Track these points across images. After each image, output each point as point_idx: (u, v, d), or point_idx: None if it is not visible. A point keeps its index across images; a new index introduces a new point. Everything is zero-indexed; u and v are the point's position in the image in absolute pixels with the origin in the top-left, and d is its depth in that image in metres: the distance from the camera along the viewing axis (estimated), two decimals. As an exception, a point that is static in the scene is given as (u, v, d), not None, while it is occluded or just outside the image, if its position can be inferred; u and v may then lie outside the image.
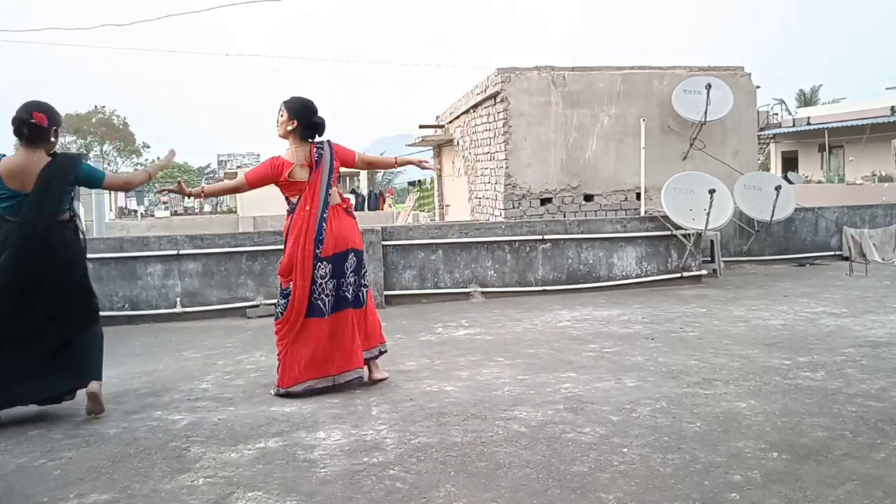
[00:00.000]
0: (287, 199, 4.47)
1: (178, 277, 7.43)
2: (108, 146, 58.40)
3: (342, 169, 4.73)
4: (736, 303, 7.18)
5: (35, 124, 3.86)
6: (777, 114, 33.68)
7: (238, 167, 52.72)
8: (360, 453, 3.32)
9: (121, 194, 37.94)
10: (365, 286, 4.60)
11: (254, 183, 4.46)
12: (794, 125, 29.83)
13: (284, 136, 4.46)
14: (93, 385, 3.99)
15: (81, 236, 4.15)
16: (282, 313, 4.38)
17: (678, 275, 8.51)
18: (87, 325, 4.11)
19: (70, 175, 3.97)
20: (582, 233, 8.37)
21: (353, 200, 33.38)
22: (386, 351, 4.78)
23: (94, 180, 4.12)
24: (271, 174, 4.41)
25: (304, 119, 4.42)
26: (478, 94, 11.07)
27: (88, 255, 7.16)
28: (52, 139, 3.97)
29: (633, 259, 8.46)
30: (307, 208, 4.34)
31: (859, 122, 24.89)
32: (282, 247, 7.51)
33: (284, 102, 4.47)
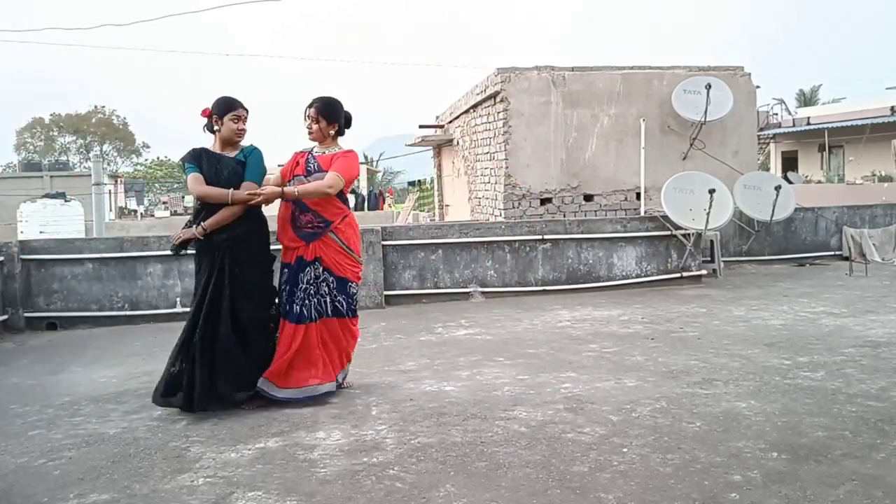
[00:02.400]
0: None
1: (178, 277, 7.43)
2: (108, 146, 58.38)
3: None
4: (736, 303, 7.18)
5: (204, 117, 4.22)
6: (777, 114, 33.66)
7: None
8: (360, 453, 3.32)
9: (121, 194, 37.92)
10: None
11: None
12: (794, 125, 29.81)
13: (322, 139, 4.36)
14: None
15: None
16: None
17: (678, 275, 8.51)
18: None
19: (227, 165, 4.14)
20: (582, 233, 8.37)
21: (352, 200, 33.42)
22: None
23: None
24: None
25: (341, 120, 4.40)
26: (478, 94, 11.07)
27: (89, 255, 7.25)
28: (215, 127, 4.17)
29: (633, 259, 8.46)
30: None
31: (859, 122, 24.87)
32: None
33: (314, 105, 4.33)
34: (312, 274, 4.23)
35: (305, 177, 4.26)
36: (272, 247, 4.32)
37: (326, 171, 4.19)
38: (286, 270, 4.28)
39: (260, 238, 4.23)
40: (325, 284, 4.25)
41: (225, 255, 4.05)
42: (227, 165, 4.13)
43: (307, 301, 4.21)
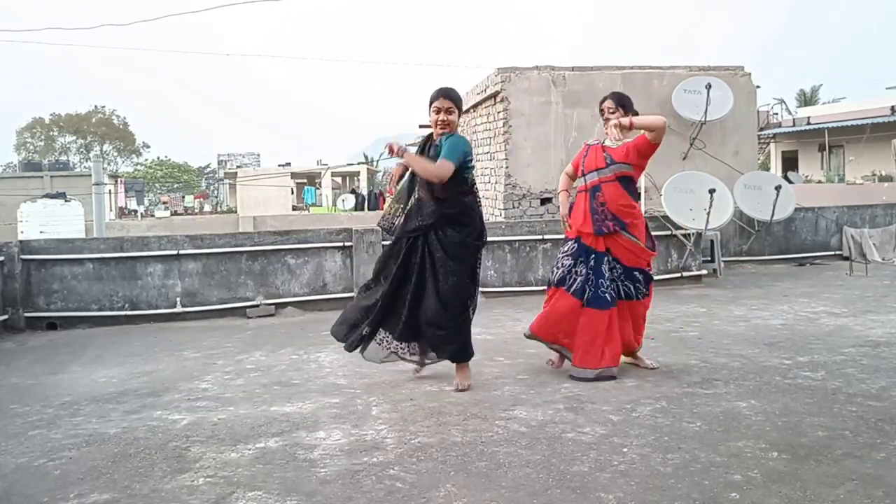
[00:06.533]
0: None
1: (178, 277, 7.43)
2: (108, 146, 58.45)
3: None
4: (736, 302, 7.18)
5: None
6: (777, 113, 33.70)
7: (238, 167, 52.79)
8: (360, 453, 3.32)
9: (121, 194, 37.88)
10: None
11: None
12: (794, 125, 29.82)
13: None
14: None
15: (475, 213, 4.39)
16: None
17: (678, 274, 8.50)
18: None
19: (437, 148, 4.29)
20: (582, 233, 8.35)
21: (352, 200, 33.41)
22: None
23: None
24: None
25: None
26: (478, 94, 11.07)
27: (89, 255, 7.25)
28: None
29: (633, 259, 8.45)
30: None
31: (859, 122, 24.88)
32: (283, 247, 7.49)
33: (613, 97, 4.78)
34: (608, 265, 4.64)
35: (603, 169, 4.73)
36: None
37: (621, 163, 4.73)
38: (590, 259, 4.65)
39: (470, 222, 4.34)
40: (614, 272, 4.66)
41: (431, 233, 4.26)
42: (436, 150, 4.30)
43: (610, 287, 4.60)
